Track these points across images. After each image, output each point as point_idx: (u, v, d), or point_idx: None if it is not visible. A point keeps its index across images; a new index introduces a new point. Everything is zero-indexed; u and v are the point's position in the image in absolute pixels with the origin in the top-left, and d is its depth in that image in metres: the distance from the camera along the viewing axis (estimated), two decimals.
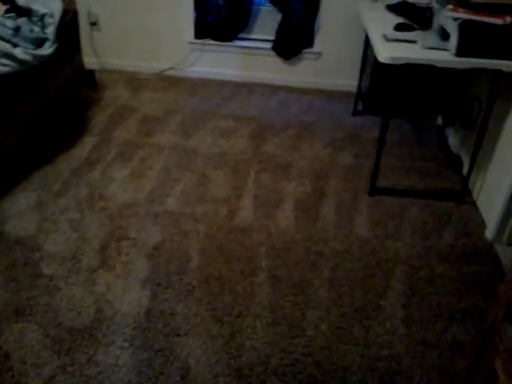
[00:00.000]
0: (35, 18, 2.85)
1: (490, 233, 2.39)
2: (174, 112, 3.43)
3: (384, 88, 3.30)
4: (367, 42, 3.24)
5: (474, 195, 2.69)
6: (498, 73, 2.28)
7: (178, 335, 1.88)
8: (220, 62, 3.89)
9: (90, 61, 3.77)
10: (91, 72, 3.59)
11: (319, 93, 3.78)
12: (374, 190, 2.67)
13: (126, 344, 1.83)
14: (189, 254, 2.24)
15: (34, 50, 2.67)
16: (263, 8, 3.71)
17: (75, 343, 1.83)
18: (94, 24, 3.82)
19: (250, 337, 1.87)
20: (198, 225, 2.41)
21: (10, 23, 2.66)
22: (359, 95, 3.51)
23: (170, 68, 3.94)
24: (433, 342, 1.88)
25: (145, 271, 2.15)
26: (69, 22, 3.06)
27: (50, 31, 2.81)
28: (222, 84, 3.86)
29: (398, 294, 2.07)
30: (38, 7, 2.90)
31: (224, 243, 2.31)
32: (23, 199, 2.52)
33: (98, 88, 3.66)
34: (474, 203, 2.65)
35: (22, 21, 2.75)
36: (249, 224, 2.43)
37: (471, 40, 2.18)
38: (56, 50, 2.81)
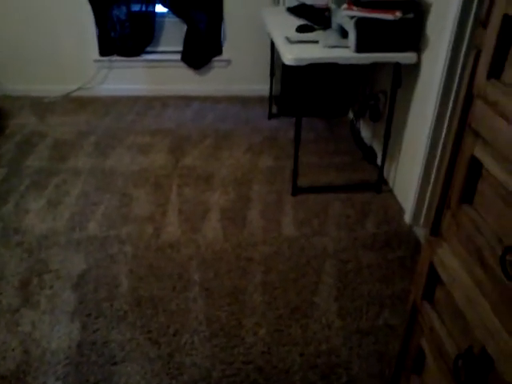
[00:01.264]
0: None
1: (408, 217, 2.51)
2: (87, 133, 3.32)
3: (295, 89, 3.37)
4: (273, 46, 3.30)
5: (390, 183, 2.81)
6: (396, 65, 2.41)
7: (114, 364, 1.80)
8: (130, 78, 3.82)
9: None
10: None
11: (233, 100, 3.81)
12: (296, 190, 2.71)
13: (58, 383, 1.73)
14: (117, 278, 2.16)
15: None
16: (167, 20, 3.68)
17: None
18: None
19: (189, 353, 1.84)
20: (124, 246, 2.34)
21: None
22: (272, 98, 3.57)
23: (78, 89, 3.80)
24: (367, 329, 1.94)
25: (72, 303, 2.05)
26: None
27: None
28: (135, 100, 3.78)
29: (329, 289, 2.12)
30: None
31: (153, 262, 2.25)
32: None
33: (0, 116, 3.46)
34: (390, 191, 2.77)
35: None
36: (176, 239, 2.39)
37: (368, 36, 2.29)
38: None
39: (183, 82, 3.84)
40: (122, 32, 3.61)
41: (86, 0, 3.48)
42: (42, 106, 3.65)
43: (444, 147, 2.27)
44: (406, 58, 2.35)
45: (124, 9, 3.54)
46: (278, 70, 3.44)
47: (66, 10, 3.54)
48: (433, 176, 2.35)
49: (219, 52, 3.78)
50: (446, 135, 2.25)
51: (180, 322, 1.96)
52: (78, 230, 2.44)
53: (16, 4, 3.49)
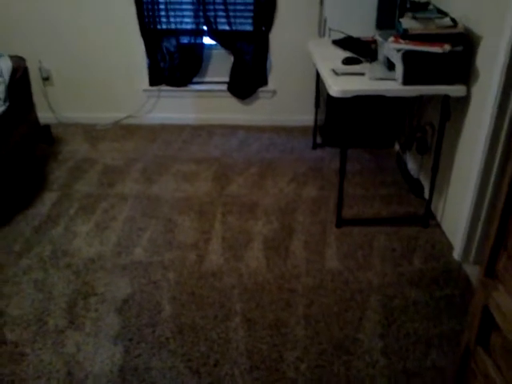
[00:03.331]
0: None
1: (457, 254, 2.43)
2: (135, 160, 3.41)
3: (340, 120, 3.37)
4: (318, 77, 3.32)
5: (438, 218, 2.74)
6: (445, 97, 2.37)
7: None
8: (177, 107, 3.92)
9: (45, 116, 3.73)
10: (47, 127, 3.54)
11: (278, 129, 3.84)
12: (340, 222, 2.68)
13: None
14: (160, 304, 2.18)
15: None
16: (215, 51, 3.78)
17: None
18: (46, 79, 3.80)
19: None
20: (168, 273, 2.36)
21: None
22: (317, 129, 3.58)
23: (128, 116, 3.93)
24: (414, 370, 1.87)
25: (116, 326, 2.07)
26: (19, 80, 3.03)
27: (1, 90, 2.77)
28: (181, 128, 3.87)
29: (374, 325, 2.06)
30: None
31: (195, 289, 2.26)
32: None
33: (55, 143, 3.61)
34: (438, 225, 2.70)
35: None
36: (219, 267, 2.39)
37: (415, 68, 2.27)
38: (8, 108, 2.78)
39: (229, 111, 3.91)
40: (171, 63, 3.73)
41: (139, 32, 3.63)
42: (93, 133, 3.79)
43: (496, 182, 2.20)
44: (455, 90, 2.32)
45: (173, 41, 3.67)
46: (323, 100, 3.46)
47: (118, 41, 3.69)
48: (484, 212, 2.28)
49: (265, 83, 3.84)
50: (498, 169, 2.18)
51: (221, 352, 1.95)
52: (124, 254, 2.49)
53: (69, 36, 3.67)
